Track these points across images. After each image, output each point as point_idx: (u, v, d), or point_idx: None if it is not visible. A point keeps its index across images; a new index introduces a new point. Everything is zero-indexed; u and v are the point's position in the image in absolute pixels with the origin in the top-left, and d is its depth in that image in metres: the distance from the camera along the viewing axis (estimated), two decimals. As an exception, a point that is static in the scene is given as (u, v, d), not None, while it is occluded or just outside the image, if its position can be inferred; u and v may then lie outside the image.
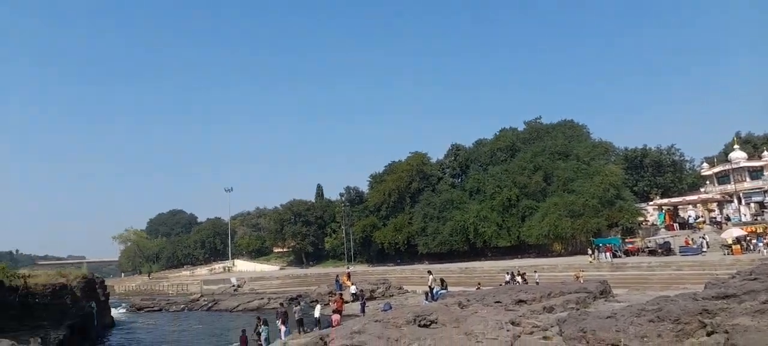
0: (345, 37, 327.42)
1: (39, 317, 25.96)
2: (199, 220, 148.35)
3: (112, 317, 42.56)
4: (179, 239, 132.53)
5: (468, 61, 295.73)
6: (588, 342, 11.38)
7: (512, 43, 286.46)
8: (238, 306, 48.00)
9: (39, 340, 23.28)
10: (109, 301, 45.21)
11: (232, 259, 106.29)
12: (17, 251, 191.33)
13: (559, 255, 56.34)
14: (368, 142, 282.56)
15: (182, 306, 52.95)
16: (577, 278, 30.88)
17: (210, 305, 51.37)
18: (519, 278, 36.07)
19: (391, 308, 24.64)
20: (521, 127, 78.50)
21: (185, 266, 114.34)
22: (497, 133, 78.58)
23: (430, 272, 36.68)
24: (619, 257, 45.17)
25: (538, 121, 78.09)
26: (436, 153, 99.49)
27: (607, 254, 44.59)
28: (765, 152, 59.86)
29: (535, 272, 38.23)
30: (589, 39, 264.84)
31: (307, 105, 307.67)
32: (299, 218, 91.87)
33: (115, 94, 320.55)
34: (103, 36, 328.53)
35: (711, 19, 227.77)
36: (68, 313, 28.18)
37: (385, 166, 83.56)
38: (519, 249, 62.53)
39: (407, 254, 73.21)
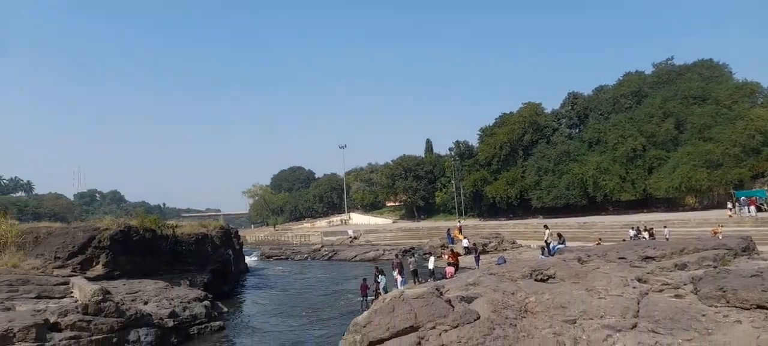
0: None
1: (186, 262, 29.44)
2: (316, 176, 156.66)
3: (246, 264, 47.00)
4: (300, 194, 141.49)
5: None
6: (728, 302, 10.43)
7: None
8: (355, 256, 50.55)
9: (187, 282, 26.56)
10: (243, 249, 49.92)
11: (348, 212, 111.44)
12: (164, 204, 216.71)
13: (693, 209, 51.58)
14: (477, 96, 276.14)
15: (306, 255, 57.00)
16: (715, 233, 28.09)
17: (330, 254, 54.68)
18: (645, 234, 33.74)
19: (505, 261, 24.44)
20: (649, 71, 71.65)
21: (306, 219, 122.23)
22: (620, 79, 72.58)
23: (546, 227, 35.56)
24: (766, 211, 40.23)
25: (669, 62, 70.67)
26: (551, 103, 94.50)
27: (751, 207, 39.88)
28: None
29: (665, 226, 35.43)
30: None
31: (413, 55, 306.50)
32: (410, 172, 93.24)
33: (241, 64, 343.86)
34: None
35: None
36: (210, 259, 31.64)
37: (496, 119, 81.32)
38: (645, 203, 58.23)
39: (520, 208, 71.47)
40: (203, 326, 19.77)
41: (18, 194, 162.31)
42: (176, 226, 31.56)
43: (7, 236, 24.67)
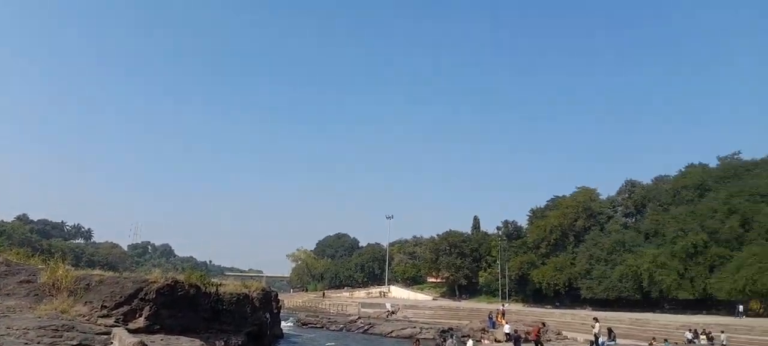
0: (506, 60, 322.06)
1: (224, 322, 29.53)
2: (360, 244, 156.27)
3: (281, 329, 46.49)
4: (342, 261, 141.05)
5: (648, 85, 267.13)
6: None
7: (704, 62, 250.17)
8: (391, 332, 49.27)
9: (222, 343, 26.55)
10: (280, 314, 49.66)
11: (388, 284, 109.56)
12: (210, 261, 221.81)
13: (758, 315, 47.57)
14: (529, 175, 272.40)
15: (341, 326, 56.03)
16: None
17: (366, 328, 53.51)
18: (703, 338, 31.43)
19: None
20: (714, 164, 68.91)
21: (345, 288, 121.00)
22: (683, 170, 70.19)
23: (596, 320, 33.70)
24: None
25: (736, 156, 67.75)
26: (607, 190, 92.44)
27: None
28: None
29: (722, 332, 32.88)
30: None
31: (465, 134, 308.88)
32: (454, 249, 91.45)
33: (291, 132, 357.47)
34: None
35: None
36: (248, 321, 31.64)
37: (548, 201, 79.83)
38: (704, 304, 54.53)
39: (567, 297, 68.46)
40: (233, 390, 19.51)
41: (77, 241, 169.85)
42: (220, 284, 31.93)
43: (62, 281, 25.65)
